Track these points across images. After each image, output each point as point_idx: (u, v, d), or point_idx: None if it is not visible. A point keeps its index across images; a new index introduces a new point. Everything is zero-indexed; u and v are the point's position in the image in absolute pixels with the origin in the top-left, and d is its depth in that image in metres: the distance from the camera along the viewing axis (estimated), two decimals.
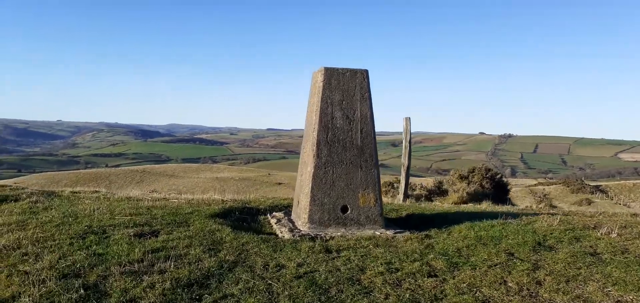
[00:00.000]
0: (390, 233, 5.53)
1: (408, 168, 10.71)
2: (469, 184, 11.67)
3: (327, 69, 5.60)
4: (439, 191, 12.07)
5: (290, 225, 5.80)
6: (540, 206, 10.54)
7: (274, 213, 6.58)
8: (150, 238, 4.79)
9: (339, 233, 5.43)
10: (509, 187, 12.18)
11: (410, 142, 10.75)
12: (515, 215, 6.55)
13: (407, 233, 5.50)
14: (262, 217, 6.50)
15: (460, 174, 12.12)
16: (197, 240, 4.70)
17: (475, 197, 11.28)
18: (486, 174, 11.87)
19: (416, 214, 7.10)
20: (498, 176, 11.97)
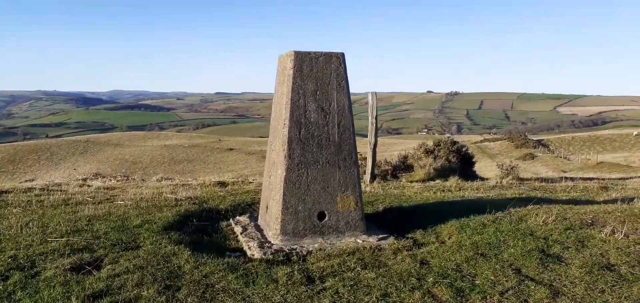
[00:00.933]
0: (373, 240, 4.89)
1: (375, 145, 10.11)
2: (435, 159, 11.24)
3: (297, 54, 4.78)
4: (404, 167, 11.59)
5: (259, 236, 5.04)
6: (508, 179, 10.26)
7: (238, 219, 5.78)
8: (91, 272, 3.90)
9: (316, 245, 4.73)
10: (474, 160, 11.86)
11: (376, 118, 10.12)
12: (498, 205, 6.06)
13: (392, 240, 4.88)
14: (225, 223, 5.69)
15: (426, 149, 11.67)
16: (150, 273, 3.86)
17: (442, 172, 10.88)
18: (452, 148, 11.48)
19: (394, 207, 6.49)
20: (464, 148, 11.61)
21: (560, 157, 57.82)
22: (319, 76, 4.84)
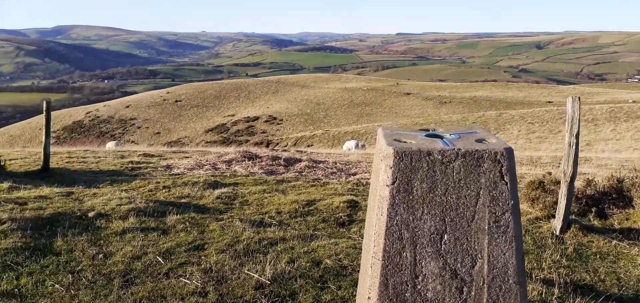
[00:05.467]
0: None
1: (572, 178, 6.78)
2: None
3: (400, 154, 2.19)
4: (619, 197, 7.94)
5: None
6: None
7: None
8: None
9: None
10: None
11: (577, 136, 6.75)
12: None
13: None
14: None
15: None
16: None
17: None
18: None
19: None
20: None
21: None
22: (449, 202, 2.20)
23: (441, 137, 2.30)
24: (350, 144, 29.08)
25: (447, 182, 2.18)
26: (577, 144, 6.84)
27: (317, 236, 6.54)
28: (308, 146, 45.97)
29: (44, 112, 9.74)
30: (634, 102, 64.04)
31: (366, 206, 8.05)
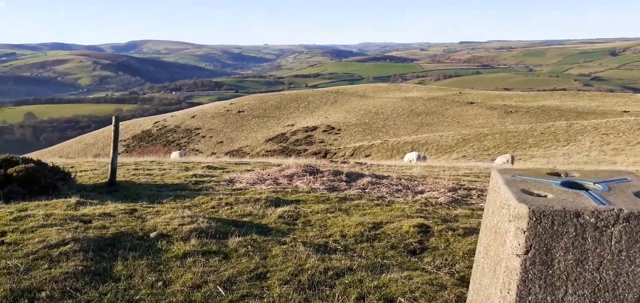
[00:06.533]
0: None
1: None
2: None
3: (537, 213, 1.64)
4: None
5: None
6: None
7: None
8: None
9: None
10: None
11: None
12: None
13: None
14: None
15: None
16: None
17: None
18: None
19: None
20: None
21: None
22: (604, 280, 1.61)
23: (583, 187, 1.71)
24: (411, 155, 28.13)
25: (602, 253, 1.59)
26: None
27: (387, 267, 5.96)
28: (366, 156, 45.12)
29: (113, 127, 9.79)
30: None
31: (439, 232, 7.37)
